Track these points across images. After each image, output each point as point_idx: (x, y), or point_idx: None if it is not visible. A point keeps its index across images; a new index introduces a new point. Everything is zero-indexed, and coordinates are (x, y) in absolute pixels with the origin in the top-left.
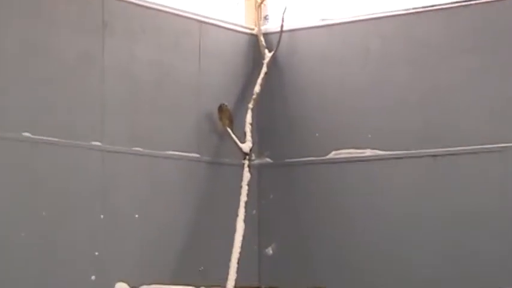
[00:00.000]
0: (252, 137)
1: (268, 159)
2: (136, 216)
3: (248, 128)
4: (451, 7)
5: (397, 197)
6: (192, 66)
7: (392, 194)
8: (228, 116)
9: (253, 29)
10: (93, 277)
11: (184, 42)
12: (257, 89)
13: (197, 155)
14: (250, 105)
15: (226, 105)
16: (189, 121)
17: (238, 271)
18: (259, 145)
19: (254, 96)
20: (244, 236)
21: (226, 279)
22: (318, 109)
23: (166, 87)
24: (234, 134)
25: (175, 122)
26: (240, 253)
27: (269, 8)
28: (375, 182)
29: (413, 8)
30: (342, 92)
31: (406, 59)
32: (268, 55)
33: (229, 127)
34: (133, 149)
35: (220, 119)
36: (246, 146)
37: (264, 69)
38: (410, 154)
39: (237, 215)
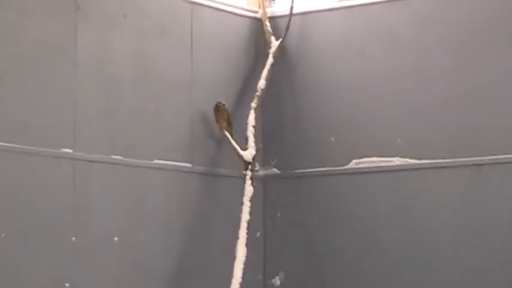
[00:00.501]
0: (256, 142)
1: (275, 170)
2: (116, 239)
3: (251, 132)
4: None
5: (431, 216)
6: (182, 57)
7: (425, 211)
8: (226, 117)
9: (256, 12)
10: None
11: (172, 28)
12: (261, 84)
13: (189, 165)
14: (253, 104)
15: (224, 105)
16: (179, 124)
17: None
18: (264, 152)
19: (258, 93)
20: (246, 263)
21: None
22: (335, 109)
23: (151, 83)
24: (233, 139)
25: (163, 126)
26: (242, 284)
27: None
28: (405, 197)
29: None
30: (364, 88)
31: (443, 48)
32: (275, 43)
33: (227, 131)
34: (112, 157)
35: (217, 121)
36: (248, 154)
37: (270, 60)
38: (448, 163)
39: (237, 238)
